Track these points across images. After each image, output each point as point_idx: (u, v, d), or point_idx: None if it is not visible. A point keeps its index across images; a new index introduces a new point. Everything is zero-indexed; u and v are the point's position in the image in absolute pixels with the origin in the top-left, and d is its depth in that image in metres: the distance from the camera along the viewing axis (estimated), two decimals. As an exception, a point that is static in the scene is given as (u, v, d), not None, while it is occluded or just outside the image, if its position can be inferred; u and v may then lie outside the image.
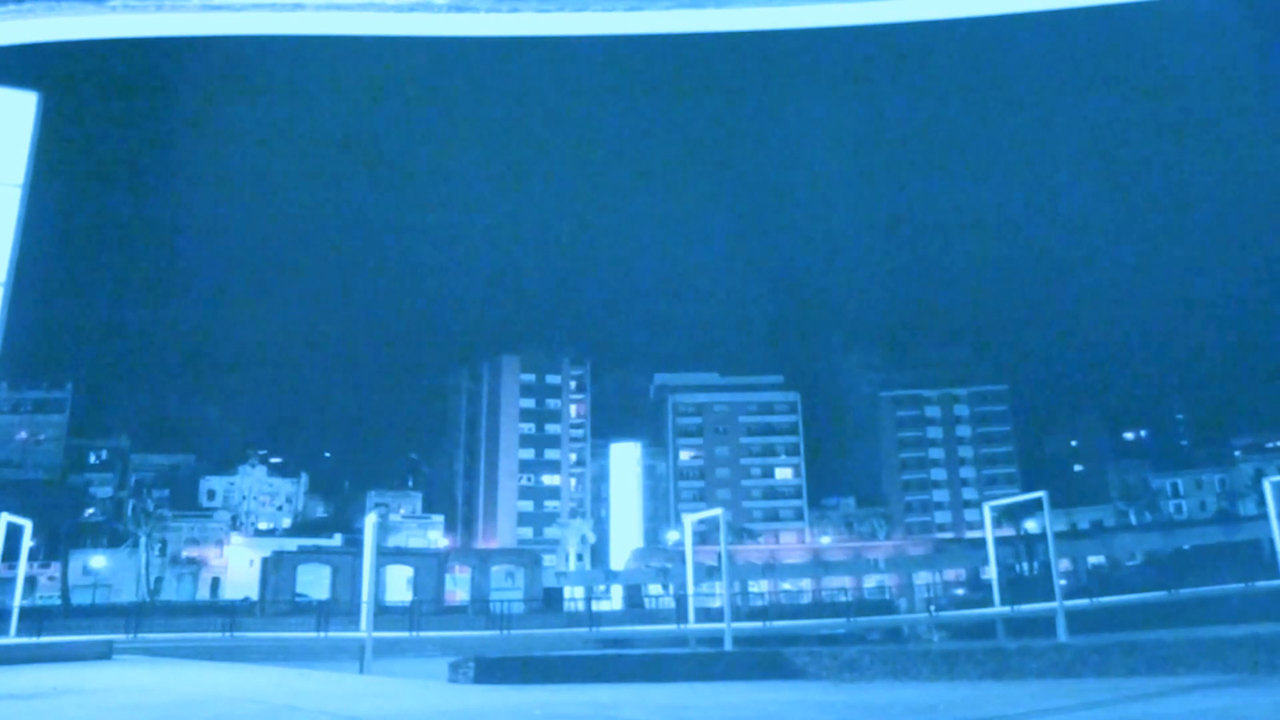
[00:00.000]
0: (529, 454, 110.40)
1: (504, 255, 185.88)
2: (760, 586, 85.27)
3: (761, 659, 27.54)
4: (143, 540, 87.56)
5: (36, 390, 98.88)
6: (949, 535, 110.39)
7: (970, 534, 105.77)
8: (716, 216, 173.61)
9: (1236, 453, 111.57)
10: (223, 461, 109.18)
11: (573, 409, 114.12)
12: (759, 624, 53.12)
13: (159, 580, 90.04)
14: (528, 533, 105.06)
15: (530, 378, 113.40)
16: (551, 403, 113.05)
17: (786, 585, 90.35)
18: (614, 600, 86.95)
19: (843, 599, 71.79)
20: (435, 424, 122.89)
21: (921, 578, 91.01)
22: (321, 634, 46.31)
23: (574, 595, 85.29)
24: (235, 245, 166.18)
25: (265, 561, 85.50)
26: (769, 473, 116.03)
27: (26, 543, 49.58)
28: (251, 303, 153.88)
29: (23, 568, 49.34)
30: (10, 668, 29.63)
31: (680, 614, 51.03)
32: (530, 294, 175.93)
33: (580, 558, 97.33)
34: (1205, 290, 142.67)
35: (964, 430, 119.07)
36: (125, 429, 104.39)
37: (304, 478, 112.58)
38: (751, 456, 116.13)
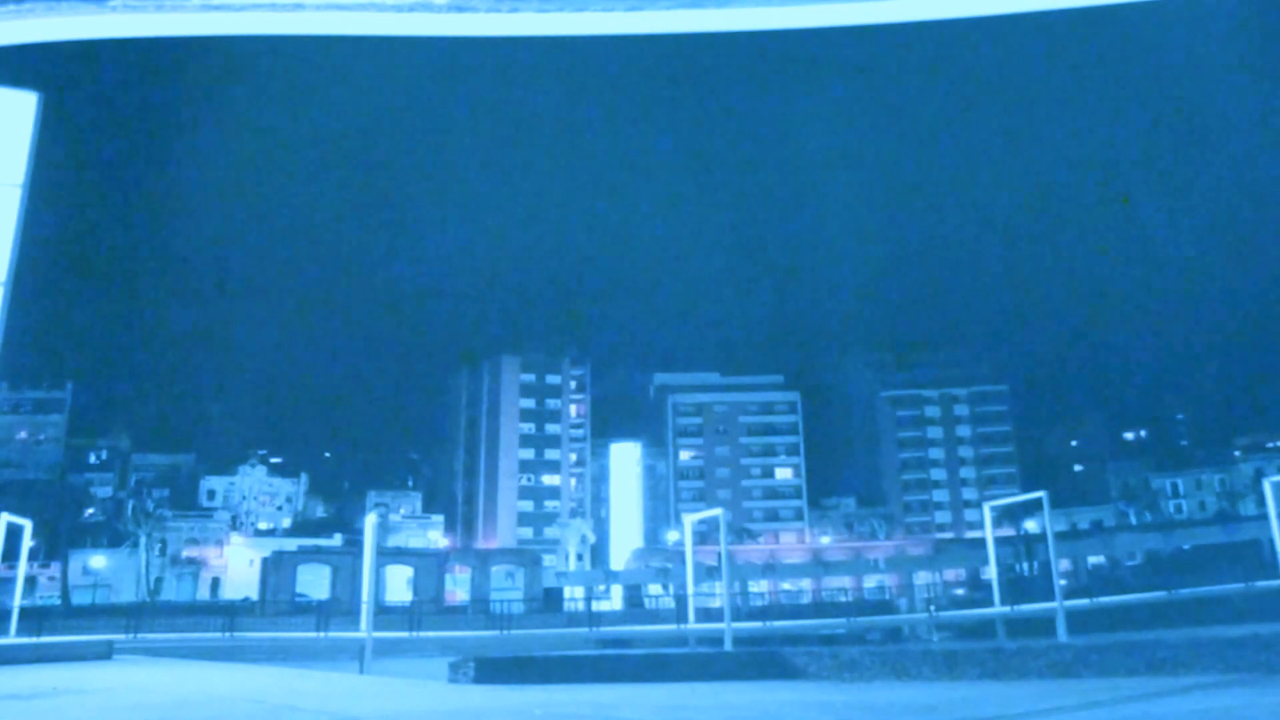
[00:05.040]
0: (529, 454, 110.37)
1: (504, 255, 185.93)
2: (760, 586, 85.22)
3: (761, 659, 27.53)
4: (143, 540, 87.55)
5: (36, 390, 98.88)
6: (949, 535, 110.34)
7: (970, 534, 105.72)
8: (717, 216, 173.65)
9: (1236, 453, 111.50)
10: (223, 461, 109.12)
11: (573, 409, 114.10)
12: (759, 624, 53.09)
13: (159, 580, 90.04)
14: (528, 533, 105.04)
15: (530, 378, 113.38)
16: (551, 403, 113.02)
17: (786, 585, 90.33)
18: (614, 600, 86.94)
19: (843, 599, 71.83)
20: (435, 424, 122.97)
21: (921, 578, 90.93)
22: (321, 634, 46.34)
23: (574, 595, 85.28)
24: (235, 245, 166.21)
25: (265, 561, 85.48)
26: (769, 473, 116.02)
27: (26, 543, 49.62)
28: (252, 303, 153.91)
29: (23, 568, 49.35)
30: (10, 668, 29.64)
31: (680, 614, 51.04)
32: (530, 294, 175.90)
33: (580, 558, 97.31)
34: (1205, 290, 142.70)
35: (964, 430, 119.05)
36: (125, 429, 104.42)
37: (304, 478, 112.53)
38: (751, 456, 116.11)
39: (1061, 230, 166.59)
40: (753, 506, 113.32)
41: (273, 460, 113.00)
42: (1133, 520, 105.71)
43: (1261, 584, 54.57)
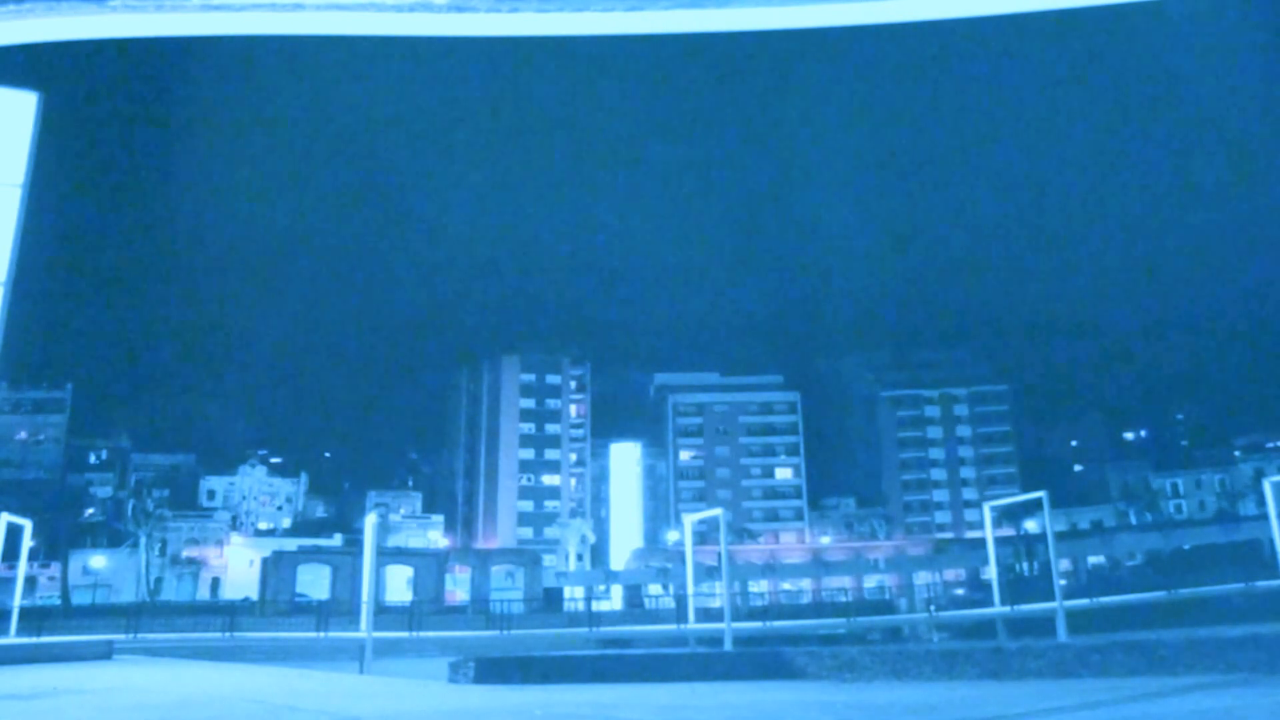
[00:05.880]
0: (529, 454, 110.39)
1: (504, 255, 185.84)
2: (760, 586, 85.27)
3: (761, 659, 27.53)
4: (143, 540, 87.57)
5: (36, 390, 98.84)
6: (949, 535, 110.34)
7: (970, 534, 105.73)
8: (717, 216, 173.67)
9: (1236, 453, 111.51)
10: (223, 461, 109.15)
11: (573, 409, 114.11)
12: (759, 624, 53.09)
13: (159, 580, 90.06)
14: (528, 533, 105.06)
15: (530, 378, 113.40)
16: (551, 403, 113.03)
17: (786, 585, 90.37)
18: (614, 600, 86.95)
19: (843, 599, 71.80)
20: (435, 424, 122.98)
21: (921, 578, 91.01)
22: (321, 634, 46.33)
23: (574, 595, 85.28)
24: (235, 245, 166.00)
25: (265, 561, 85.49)
26: (769, 473, 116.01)
27: (26, 543, 49.60)
28: (252, 303, 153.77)
29: (23, 568, 49.33)
30: (10, 668, 29.65)
31: (680, 614, 51.03)
32: (530, 294, 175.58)
33: (580, 558, 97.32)
34: (1206, 290, 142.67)
35: (964, 430, 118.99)
36: (125, 429, 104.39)
37: (304, 478, 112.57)
38: (751, 456, 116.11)
39: (1062, 230, 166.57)
40: (753, 506, 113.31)
41: (273, 460, 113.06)
42: (1133, 520, 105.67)
43: (1261, 584, 54.57)
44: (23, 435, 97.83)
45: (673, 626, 50.90)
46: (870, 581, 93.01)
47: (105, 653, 36.32)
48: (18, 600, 47.24)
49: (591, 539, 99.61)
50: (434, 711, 17.65)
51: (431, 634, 49.08)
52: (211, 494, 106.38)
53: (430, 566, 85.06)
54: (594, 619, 57.05)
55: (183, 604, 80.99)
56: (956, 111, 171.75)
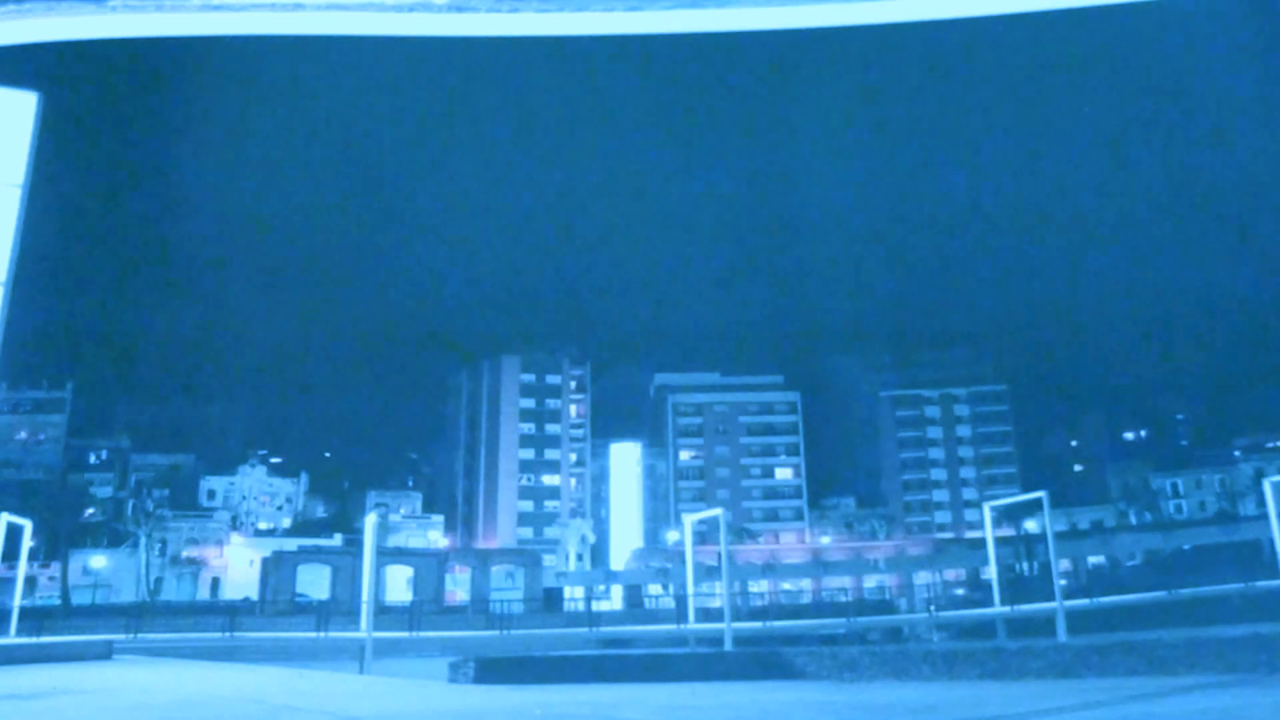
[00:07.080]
0: (529, 454, 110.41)
1: (504, 255, 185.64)
2: (760, 586, 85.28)
3: (761, 659, 27.52)
4: (143, 540, 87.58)
5: (36, 390, 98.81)
6: (949, 535, 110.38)
7: (970, 534, 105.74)
8: (717, 216, 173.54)
9: (1236, 453, 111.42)
10: (223, 461, 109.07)
11: (573, 409, 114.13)
12: (759, 624, 53.11)
13: (159, 580, 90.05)
14: (528, 533, 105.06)
15: (530, 378, 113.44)
16: (551, 403, 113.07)
17: (786, 585, 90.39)
18: (614, 600, 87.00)
19: (843, 599, 71.90)
20: (435, 424, 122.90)
21: (921, 578, 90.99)
22: (321, 634, 46.36)
23: (574, 595, 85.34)
24: (235, 245, 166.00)
25: (265, 561, 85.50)
26: (769, 473, 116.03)
27: (26, 543, 49.65)
28: (251, 303, 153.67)
29: (23, 568, 49.36)
30: (10, 668, 29.66)
31: (680, 614, 51.09)
32: (530, 294, 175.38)
33: (580, 558, 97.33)
34: (1205, 290, 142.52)
35: (964, 430, 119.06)
36: (125, 429, 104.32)
37: (304, 478, 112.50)
38: (751, 456, 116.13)
39: (1062, 230, 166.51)
40: (753, 506, 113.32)
41: (273, 460, 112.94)
42: (1133, 520, 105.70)
43: (1261, 584, 54.65)
44: (23, 435, 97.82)
45: (673, 626, 50.93)
46: (870, 581, 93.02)
47: (105, 653, 36.32)
48: (18, 600, 47.30)
49: (591, 539, 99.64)
50: (434, 711, 17.65)
51: (431, 634, 49.12)
52: (211, 494, 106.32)
53: (430, 566, 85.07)
54: (594, 619, 57.13)
55: (183, 604, 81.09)
56: (956, 111, 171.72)
